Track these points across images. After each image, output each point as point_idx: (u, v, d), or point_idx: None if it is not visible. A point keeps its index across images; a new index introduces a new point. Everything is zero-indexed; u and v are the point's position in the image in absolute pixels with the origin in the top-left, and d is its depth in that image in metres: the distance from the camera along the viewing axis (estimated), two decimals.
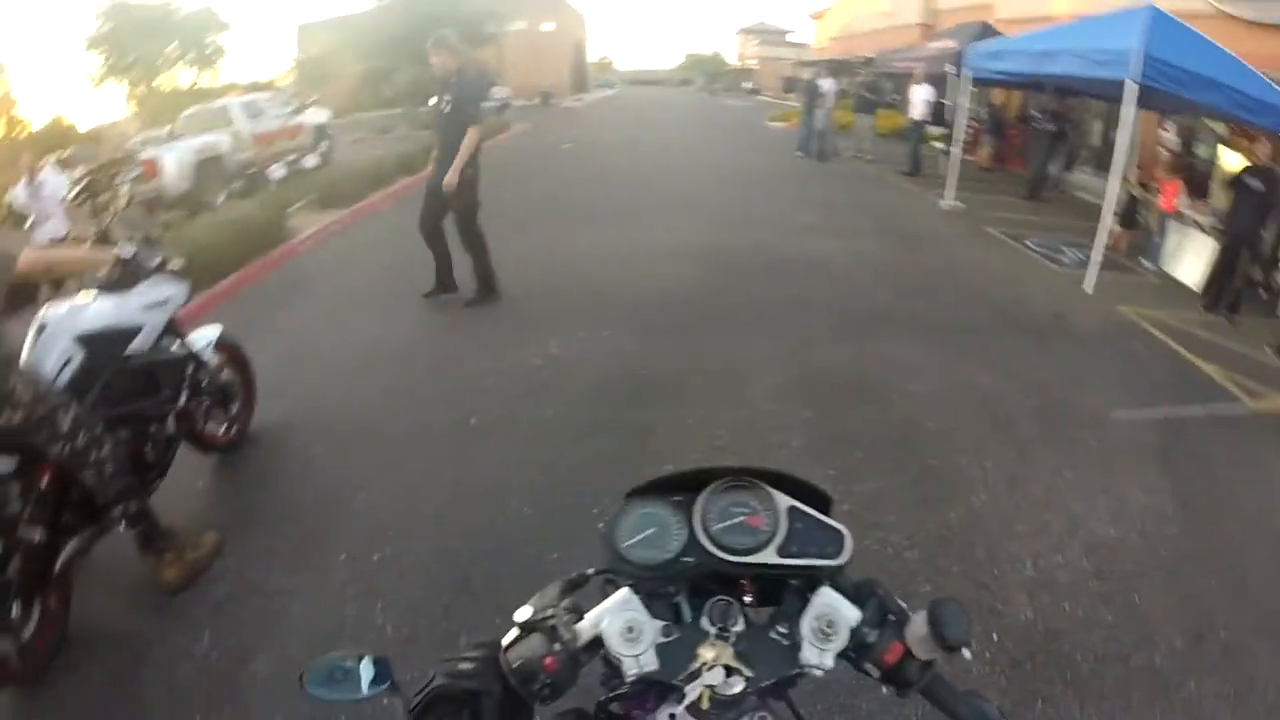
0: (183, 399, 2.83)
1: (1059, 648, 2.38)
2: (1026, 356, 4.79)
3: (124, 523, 2.37)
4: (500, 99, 23.18)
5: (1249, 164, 6.24)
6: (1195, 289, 6.63)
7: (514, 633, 0.82)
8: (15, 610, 2.11)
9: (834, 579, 0.88)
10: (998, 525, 3.00)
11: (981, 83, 10.15)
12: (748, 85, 47.45)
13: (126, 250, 2.64)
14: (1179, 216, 7.52)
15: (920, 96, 12.29)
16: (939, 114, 13.03)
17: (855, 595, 0.86)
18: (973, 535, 2.92)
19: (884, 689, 0.84)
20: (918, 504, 3.11)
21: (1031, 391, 4.25)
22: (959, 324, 5.34)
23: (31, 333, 2.37)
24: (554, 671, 0.77)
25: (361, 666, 0.81)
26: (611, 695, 0.89)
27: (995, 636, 2.38)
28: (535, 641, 0.79)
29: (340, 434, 3.59)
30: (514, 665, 0.78)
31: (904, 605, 0.85)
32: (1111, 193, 6.67)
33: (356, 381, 4.20)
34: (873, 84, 15.52)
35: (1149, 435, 3.81)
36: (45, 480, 2.22)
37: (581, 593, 0.89)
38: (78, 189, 6.96)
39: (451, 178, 4.87)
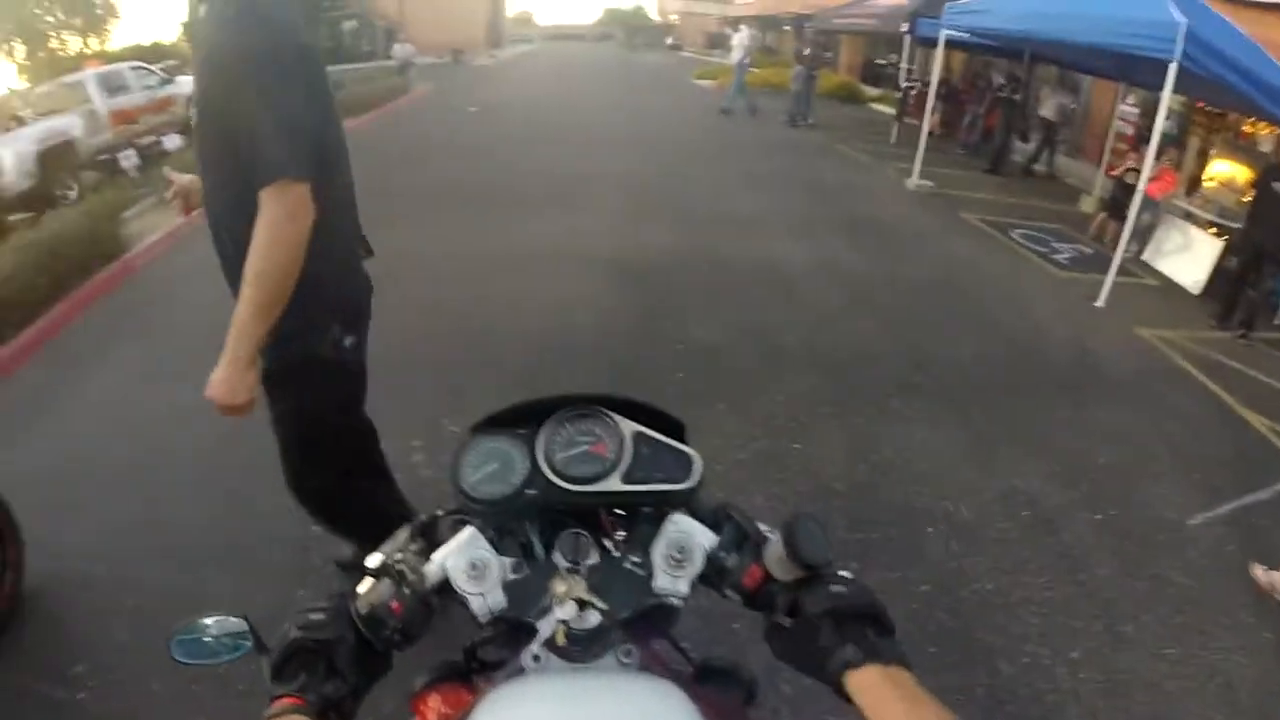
0: None
1: None
2: (1070, 430, 3.72)
3: None
4: (403, 57, 20.33)
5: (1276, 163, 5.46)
6: (1190, 289, 6.11)
7: (366, 581, 0.76)
8: None
9: (689, 505, 0.83)
10: None
11: (956, 45, 9.16)
12: (670, 41, 44.91)
13: None
14: (1170, 208, 6.87)
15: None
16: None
17: (711, 520, 0.81)
18: None
19: None
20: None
21: (1091, 494, 3.21)
22: (977, 380, 4.13)
23: None
24: (402, 615, 0.73)
25: (225, 631, 0.79)
26: (477, 641, 0.85)
27: None
28: (383, 586, 0.74)
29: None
30: (362, 612, 0.73)
31: (763, 528, 0.80)
32: (1140, 189, 5.56)
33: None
34: (821, 42, 13.98)
35: (1232, 550, 2.91)
36: None
37: (435, 536, 0.82)
38: None
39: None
